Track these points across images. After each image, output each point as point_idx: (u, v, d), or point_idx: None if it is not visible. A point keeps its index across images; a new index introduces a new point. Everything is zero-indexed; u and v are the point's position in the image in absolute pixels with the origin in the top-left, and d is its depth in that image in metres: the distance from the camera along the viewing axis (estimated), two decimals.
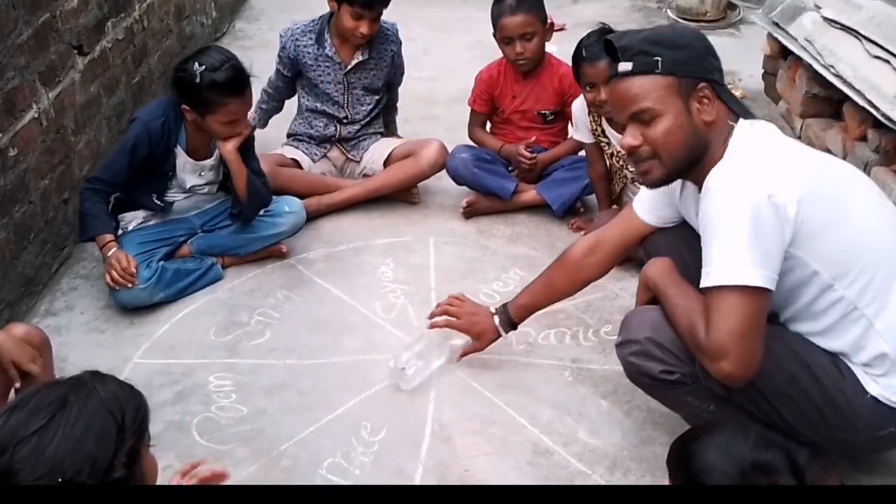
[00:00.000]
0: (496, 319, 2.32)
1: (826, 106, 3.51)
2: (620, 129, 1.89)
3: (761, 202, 1.63)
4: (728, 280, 1.64)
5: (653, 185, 1.88)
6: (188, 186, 2.81)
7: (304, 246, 2.99)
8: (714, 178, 1.71)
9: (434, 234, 3.07)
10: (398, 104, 3.50)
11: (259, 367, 2.45)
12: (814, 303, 1.74)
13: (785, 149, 1.78)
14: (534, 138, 3.11)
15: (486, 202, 3.14)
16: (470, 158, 3.09)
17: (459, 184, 3.15)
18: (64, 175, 2.88)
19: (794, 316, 1.79)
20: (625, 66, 1.75)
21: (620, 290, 2.74)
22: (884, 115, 2.93)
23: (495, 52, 4.49)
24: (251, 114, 2.86)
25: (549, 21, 3.07)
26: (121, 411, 1.30)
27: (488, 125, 3.32)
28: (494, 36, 3.11)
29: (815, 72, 3.37)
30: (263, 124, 3.36)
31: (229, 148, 2.68)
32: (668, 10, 4.93)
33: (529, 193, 3.13)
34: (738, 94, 3.98)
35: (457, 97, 4.04)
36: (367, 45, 3.10)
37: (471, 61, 4.43)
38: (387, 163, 3.23)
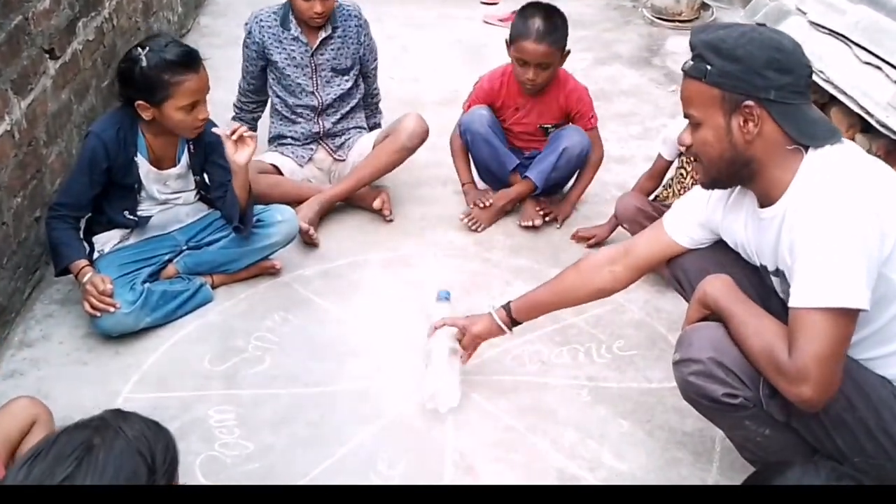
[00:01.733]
0: (494, 315, 2.17)
1: None
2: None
3: (867, 220, 1.51)
4: (828, 301, 1.51)
5: (702, 186, 1.80)
6: (161, 198, 2.58)
7: (298, 262, 2.79)
8: (809, 195, 1.58)
9: (433, 246, 2.89)
10: (380, 103, 3.30)
11: (262, 398, 2.26)
12: (888, 326, 1.63)
13: (876, 167, 1.65)
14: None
15: (478, 195, 3.03)
16: (487, 116, 2.94)
17: (465, 144, 3.01)
18: (36, 191, 2.62)
19: (862, 338, 1.67)
20: (685, 65, 1.67)
21: (628, 301, 2.61)
22: (878, 121, 2.86)
23: (476, 52, 4.36)
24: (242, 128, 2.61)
25: (567, 50, 2.87)
26: (150, 451, 1.19)
27: None
28: (507, 47, 2.86)
29: None
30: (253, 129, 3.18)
31: (242, 160, 2.45)
32: (644, 10, 4.82)
33: (517, 182, 3.01)
34: None
35: (442, 99, 3.88)
36: (329, 22, 2.94)
37: (452, 60, 4.28)
38: None
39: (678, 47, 4.47)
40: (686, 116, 1.70)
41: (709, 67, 1.60)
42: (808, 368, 1.51)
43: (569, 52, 2.86)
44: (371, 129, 3.22)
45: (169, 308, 2.50)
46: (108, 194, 2.50)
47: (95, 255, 2.53)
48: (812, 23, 3.30)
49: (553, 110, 2.94)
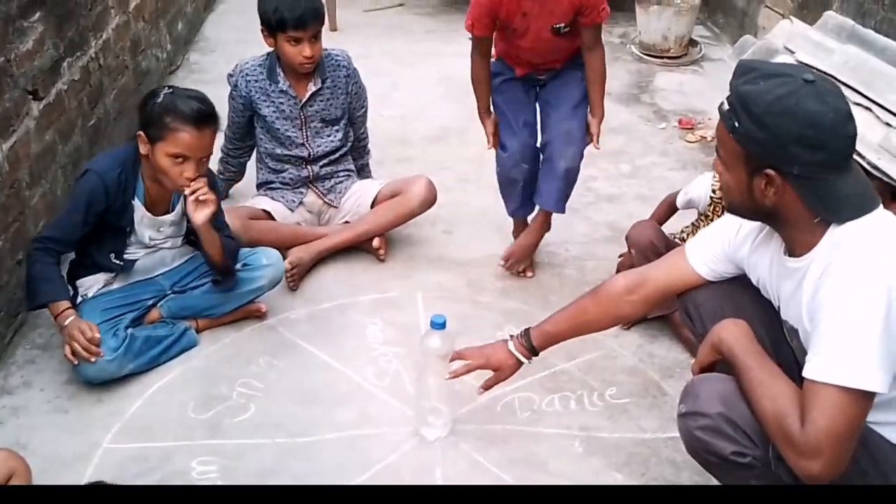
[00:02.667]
0: (511, 345, 2.07)
1: None
2: None
3: (892, 300, 1.44)
4: (846, 381, 1.44)
5: (728, 210, 1.75)
6: (149, 242, 2.50)
7: (284, 305, 2.71)
8: (834, 266, 1.51)
9: (422, 288, 2.82)
10: (369, 146, 3.24)
11: (246, 449, 2.17)
12: None
13: None
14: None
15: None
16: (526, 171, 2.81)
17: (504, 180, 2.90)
18: (18, 234, 2.54)
19: (880, 402, 1.60)
20: (722, 104, 1.58)
21: (620, 346, 2.54)
22: (870, 163, 2.80)
23: (465, 87, 4.23)
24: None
25: None
26: None
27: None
28: None
29: None
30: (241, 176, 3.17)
31: (200, 220, 2.36)
32: (632, 46, 4.79)
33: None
34: (708, 134, 3.86)
35: (430, 137, 3.83)
36: (317, 73, 2.86)
37: (441, 97, 4.23)
38: (373, 206, 2.98)
39: (667, 84, 4.44)
40: (716, 149, 1.65)
41: (736, 125, 1.53)
42: (820, 445, 1.43)
43: None
44: (359, 170, 3.16)
45: (153, 353, 2.42)
46: (97, 235, 2.41)
47: (79, 298, 2.44)
48: (800, 62, 3.25)
49: (563, 6, 2.62)
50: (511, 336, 2.11)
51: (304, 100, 2.88)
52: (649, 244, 2.53)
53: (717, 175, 1.70)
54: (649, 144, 3.80)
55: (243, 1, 5.36)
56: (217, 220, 2.45)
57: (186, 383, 2.38)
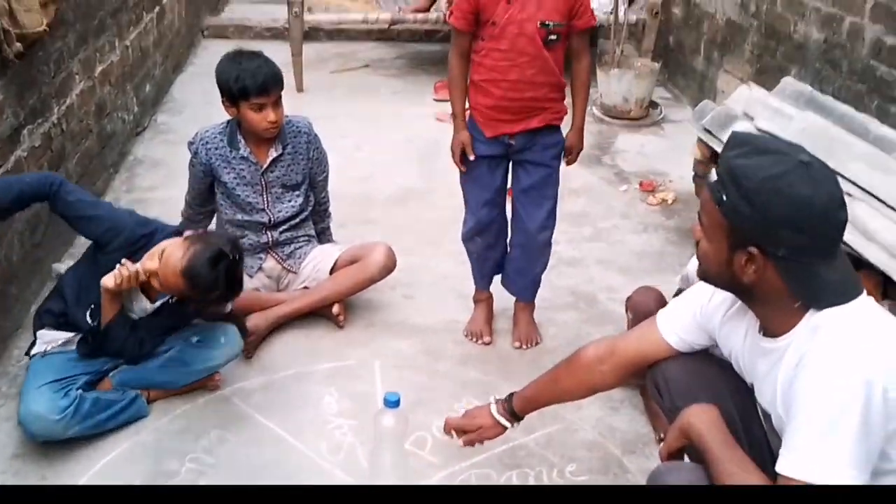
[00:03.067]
0: (494, 409, 2.06)
1: None
2: None
3: (875, 395, 1.38)
4: (819, 479, 1.39)
5: (698, 276, 1.68)
6: (127, 313, 2.42)
7: (239, 374, 2.64)
8: (816, 352, 1.46)
9: (380, 356, 2.76)
10: (329, 209, 3.21)
11: None
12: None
13: (891, 332, 1.51)
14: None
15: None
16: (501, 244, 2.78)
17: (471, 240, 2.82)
18: None
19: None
20: (710, 176, 1.57)
21: (580, 419, 2.49)
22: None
23: (429, 149, 4.31)
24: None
25: None
26: None
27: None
28: None
29: None
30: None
31: (108, 285, 2.28)
32: (593, 107, 4.84)
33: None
34: (669, 196, 3.88)
35: (393, 198, 3.82)
36: (278, 139, 2.85)
37: (405, 158, 4.23)
38: (332, 272, 2.94)
39: (628, 145, 4.48)
40: (698, 214, 1.60)
41: (724, 198, 1.47)
42: None
43: None
44: (319, 234, 3.13)
45: (100, 418, 2.34)
46: (80, 281, 2.37)
47: (35, 350, 2.40)
48: (760, 129, 3.29)
49: (554, 0, 2.42)
50: (495, 399, 2.09)
51: (265, 166, 2.86)
52: (648, 314, 2.32)
53: (694, 239, 1.62)
54: (611, 207, 3.81)
55: (212, 62, 5.39)
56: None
57: (135, 458, 2.30)
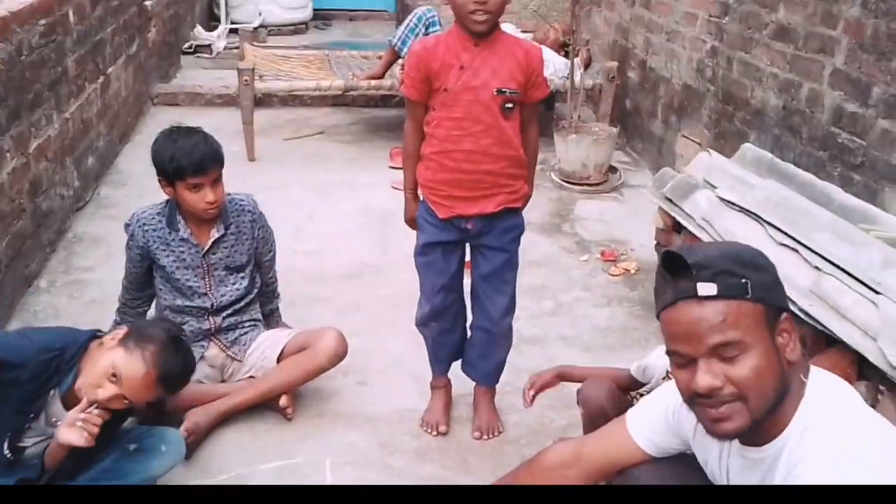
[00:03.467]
0: None
1: None
2: (681, 365, 1.45)
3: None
4: None
5: (731, 435, 1.44)
6: (51, 433, 2.15)
7: (175, 477, 2.41)
8: (808, 449, 1.36)
9: (331, 452, 2.56)
10: (277, 289, 3.03)
11: None
12: None
13: (879, 424, 1.43)
14: None
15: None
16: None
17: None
18: None
19: None
20: (707, 288, 1.38)
21: None
22: (801, 309, 2.69)
23: (384, 220, 4.16)
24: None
25: None
26: None
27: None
28: None
29: None
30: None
31: (79, 443, 2.05)
32: (552, 173, 4.75)
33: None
34: (631, 266, 3.77)
35: (345, 274, 3.64)
36: (221, 219, 2.68)
37: (359, 230, 4.08)
38: (279, 359, 2.75)
39: (588, 212, 4.38)
40: (716, 349, 1.38)
41: (744, 281, 1.38)
42: None
43: None
44: (266, 315, 2.95)
45: None
46: None
47: None
48: (721, 198, 3.21)
49: (511, 67, 2.28)
50: None
51: (207, 247, 2.69)
52: (600, 410, 2.15)
53: (727, 384, 1.38)
54: (572, 278, 3.68)
55: (162, 127, 5.25)
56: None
57: None
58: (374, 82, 4.86)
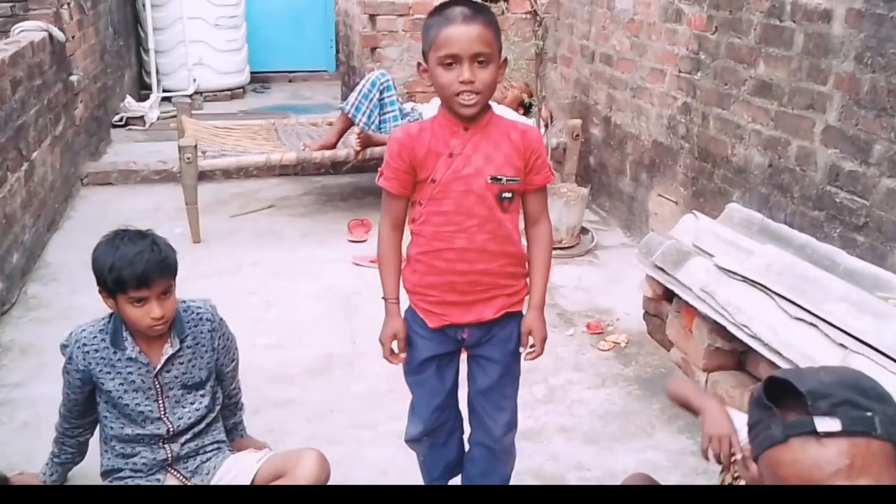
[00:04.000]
0: None
1: (729, 357, 3.07)
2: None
3: None
4: None
5: None
6: None
7: None
8: None
9: None
10: (241, 400, 2.67)
11: None
12: None
13: None
14: None
15: None
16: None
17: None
18: None
19: None
20: (828, 424, 1.14)
21: None
22: None
23: (349, 301, 3.82)
24: None
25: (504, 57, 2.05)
26: None
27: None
28: (424, 60, 2.01)
29: (717, 323, 2.93)
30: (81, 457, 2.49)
31: None
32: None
33: None
34: (621, 339, 3.51)
35: (312, 369, 3.29)
36: (174, 331, 2.32)
37: (322, 315, 3.73)
38: None
39: (566, 279, 4.12)
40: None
41: (869, 415, 1.15)
42: None
43: (506, 60, 2.05)
44: (229, 430, 2.57)
45: None
46: None
47: None
48: (720, 267, 2.98)
49: (506, 152, 2.00)
50: None
51: (160, 366, 2.32)
52: None
53: None
54: (560, 357, 3.39)
55: (93, 213, 4.85)
56: None
57: None
58: (328, 153, 4.56)
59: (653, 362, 3.33)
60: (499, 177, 2.01)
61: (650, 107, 4.37)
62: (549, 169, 2.12)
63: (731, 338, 2.92)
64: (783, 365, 2.61)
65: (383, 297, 2.20)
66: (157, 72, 7.92)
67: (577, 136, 4.79)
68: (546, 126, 4.86)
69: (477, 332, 2.13)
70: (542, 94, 4.53)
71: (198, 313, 2.41)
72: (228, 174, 5.35)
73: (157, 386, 2.33)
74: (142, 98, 7.66)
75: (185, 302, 2.40)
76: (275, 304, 3.83)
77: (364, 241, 4.44)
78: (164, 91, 7.90)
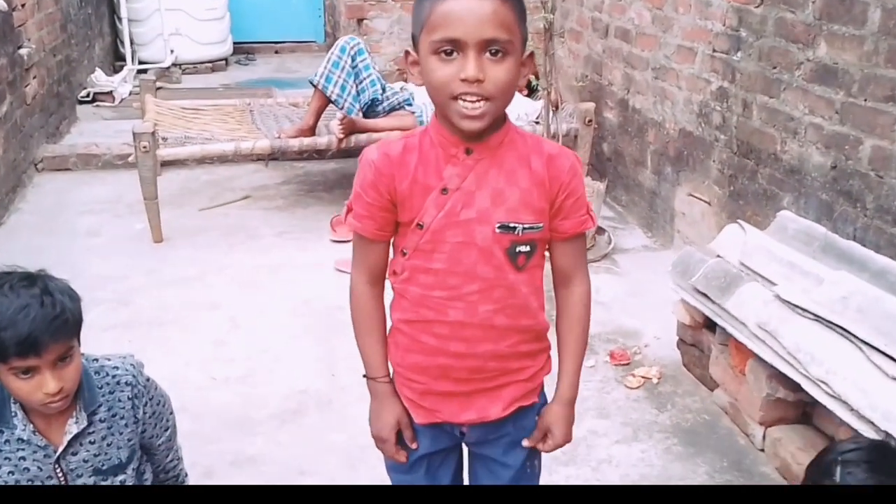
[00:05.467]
0: None
1: (792, 409, 2.44)
2: None
3: None
4: None
5: None
6: None
7: None
8: None
9: None
10: (183, 471, 2.03)
11: None
12: None
13: None
14: None
15: None
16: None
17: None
18: None
19: None
20: None
21: None
22: None
23: (330, 318, 3.14)
24: None
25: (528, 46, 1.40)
26: None
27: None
28: (413, 44, 1.37)
29: (780, 371, 2.31)
30: None
31: None
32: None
33: None
34: (652, 373, 2.88)
35: (282, 412, 2.66)
36: (79, 402, 1.69)
37: (297, 338, 3.10)
38: None
39: None
40: None
41: None
42: None
43: (532, 55, 1.44)
44: None
45: None
46: None
47: None
48: (782, 298, 2.34)
49: (524, 187, 1.37)
50: None
51: (62, 448, 1.68)
52: None
53: None
54: (582, 397, 2.69)
55: (46, 206, 4.16)
56: None
57: None
58: (306, 141, 3.87)
59: (693, 405, 2.70)
60: (511, 224, 1.37)
61: (677, 90, 3.70)
62: (588, 210, 1.46)
63: (797, 387, 2.29)
64: (874, 436, 1.98)
65: (365, 376, 1.57)
66: (132, 42, 7.16)
67: (590, 121, 4.12)
68: (555, 109, 4.18)
69: (480, 430, 1.52)
70: (552, 75, 3.85)
71: (114, 376, 1.77)
72: (200, 158, 4.65)
73: (60, 474, 1.70)
74: (117, 71, 6.92)
75: (96, 361, 1.76)
76: (241, 322, 3.17)
77: (349, 241, 3.78)
78: (141, 63, 7.14)
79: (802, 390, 2.27)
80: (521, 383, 1.49)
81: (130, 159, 3.68)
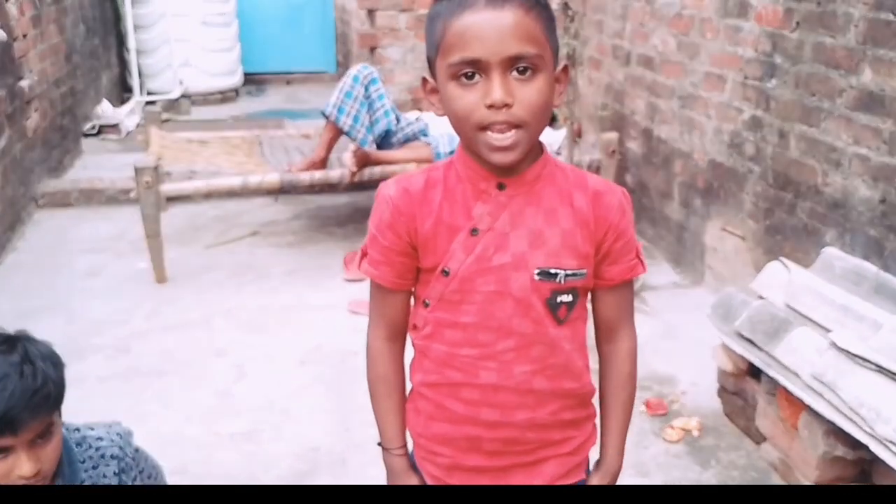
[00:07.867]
0: None
1: (851, 467, 2.22)
2: None
3: None
4: None
5: None
6: None
7: None
8: None
9: None
10: None
11: None
12: None
13: None
14: None
15: None
16: None
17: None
18: None
19: None
20: None
21: None
22: None
23: (344, 367, 2.95)
24: None
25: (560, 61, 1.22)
26: None
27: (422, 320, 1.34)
28: (430, 70, 1.20)
29: (839, 427, 2.09)
30: None
31: None
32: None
33: None
34: (692, 425, 2.65)
35: (291, 473, 2.44)
36: (59, 480, 1.49)
37: (309, 387, 2.89)
38: None
39: None
40: None
41: None
42: None
43: (567, 67, 1.20)
44: None
45: None
46: None
47: None
48: (838, 346, 2.13)
49: (566, 227, 1.20)
50: None
51: None
52: None
53: None
54: None
55: (45, 244, 4.00)
56: None
57: None
58: (317, 174, 3.70)
59: (739, 462, 2.48)
60: (552, 270, 1.19)
61: (705, 119, 3.51)
62: (637, 253, 1.27)
63: (858, 444, 2.08)
64: None
65: (379, 444, 1.37)
66: (140, 73, 7.06)
67: (614, 151, 3.94)
68: (576, 139, 4.00)
69: None
70: (574, 105, 3.68)
71: (98, 448, 1.58)
72: (207, 193, 4.48)
73: None
74: (125, 102, 6.81)
75: (78, 430, 1.57)
76: (248, 370, 2.97)
77: (363, 279, 3.60)
78: (149, 94, 7.04)
79: (863, 447, 2.06)
80: (564, 457, 1.29)
81: (132, 195, 3.51)
